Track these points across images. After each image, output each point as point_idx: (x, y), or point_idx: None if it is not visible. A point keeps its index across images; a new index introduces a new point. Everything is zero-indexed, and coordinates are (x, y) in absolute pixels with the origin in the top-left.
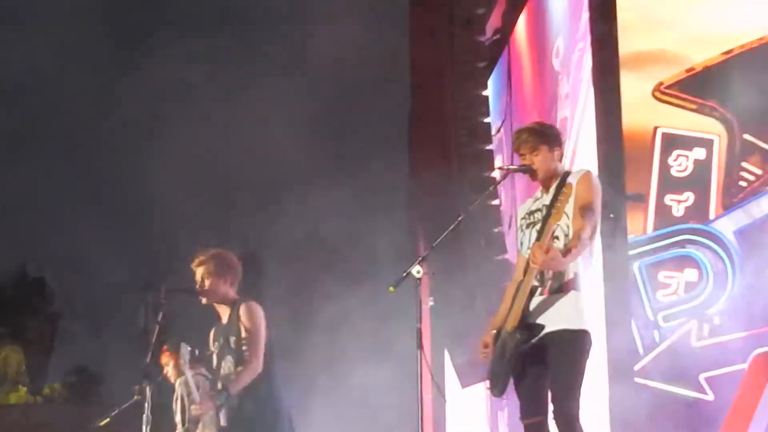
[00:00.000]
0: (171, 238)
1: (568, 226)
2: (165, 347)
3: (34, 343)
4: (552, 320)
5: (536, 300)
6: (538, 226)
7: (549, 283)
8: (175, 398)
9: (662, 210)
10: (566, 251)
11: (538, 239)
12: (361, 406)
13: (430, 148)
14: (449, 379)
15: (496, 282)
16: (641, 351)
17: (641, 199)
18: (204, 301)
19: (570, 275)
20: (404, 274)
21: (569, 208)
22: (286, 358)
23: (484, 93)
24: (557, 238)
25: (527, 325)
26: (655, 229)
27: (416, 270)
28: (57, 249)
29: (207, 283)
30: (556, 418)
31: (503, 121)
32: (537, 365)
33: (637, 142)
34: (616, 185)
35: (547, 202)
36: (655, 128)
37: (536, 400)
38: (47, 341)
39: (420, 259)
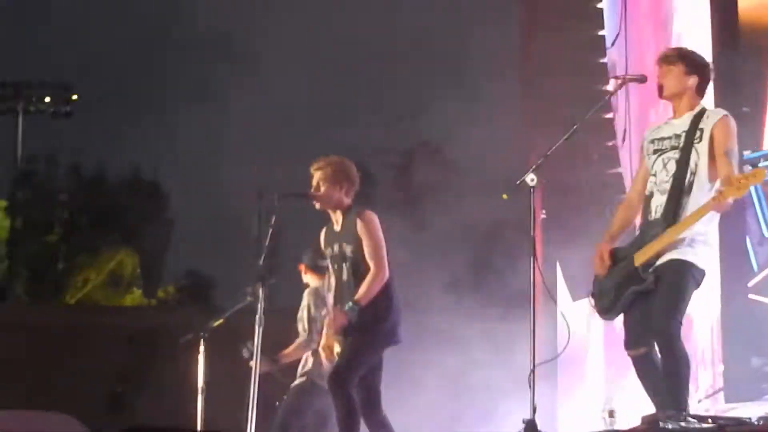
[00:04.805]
0: (285, 144)
1: (696, 164)
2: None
3: (148, 247)
4: (667, 252)
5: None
6: (666, 155)
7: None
8: (302, 306)
9: None
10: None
11: (676, 172)
12: (474, 318)
13: (543, 60)
14: (560, 292)
15: (609, 195)
16: (755, 267)
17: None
18: (318, 206)
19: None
20: (518, 182)
21: (703, 147)
22: (399, 272)
23: (599, 6)
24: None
25: (656, 267)
26: None
27: (530, 178)
28: (171, 153)
29: (323, 188)
30: (655, 337)
31: (617, 35)
32: (646, 296)
33: (753, 60)
34: (732, 101)
35: (679, 132)
36: None
37: (643, 332)
38: (161, 245)
39: (533, 167)
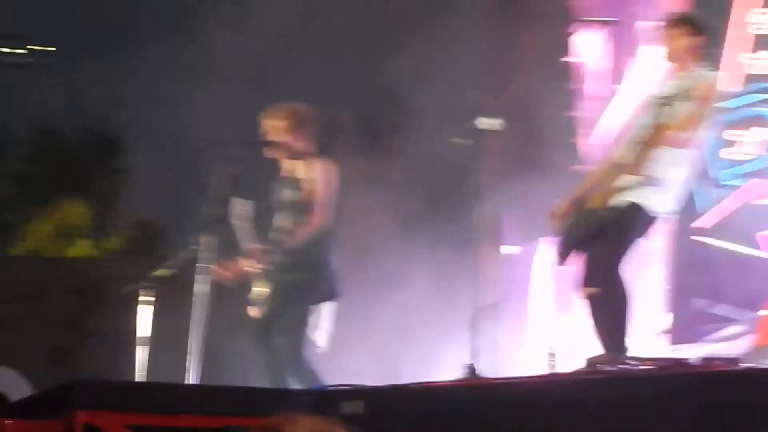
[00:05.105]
0: (246, 93)
1: (668, 118)
2: None
3: (98, 198)
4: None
5: None
6: (649, 110)
7: None
8: None
9: (735, 68)
10: None
11: (649, 124)
12: (421, 258)
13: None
14: (511, 235)
15: (564, 138)
16: (699, 209)
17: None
18: (272, 154)
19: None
20: (470, 126)
21: (683, 104)
22: (353, 217)
23: None
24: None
25: (606, 209)
26: None
27: (483, 121)
28: (123, 101)
29: (276, 136)
30: (595, 274)
31: None
32: (596, 238)
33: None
34: None
35: (672, 91)
36: None
37: (594, 272)
38: (112, 196)
39: (485, 110)
